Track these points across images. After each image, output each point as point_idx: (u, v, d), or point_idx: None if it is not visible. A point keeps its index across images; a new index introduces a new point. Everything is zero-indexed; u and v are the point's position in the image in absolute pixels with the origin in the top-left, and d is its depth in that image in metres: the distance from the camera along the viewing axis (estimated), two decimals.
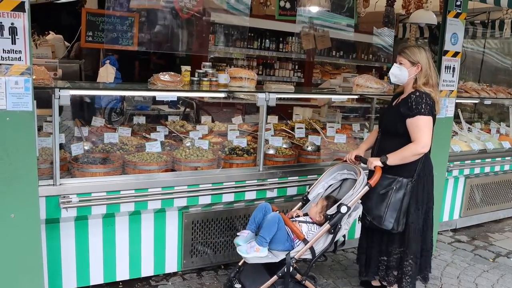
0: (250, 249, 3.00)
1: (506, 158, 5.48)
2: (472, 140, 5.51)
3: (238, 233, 3.16)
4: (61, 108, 6.86)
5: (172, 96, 3.46)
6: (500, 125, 6.45)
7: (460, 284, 4.06)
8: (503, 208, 5.86)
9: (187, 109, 6.20)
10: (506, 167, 5.52)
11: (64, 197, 3.10)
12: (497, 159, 5.41)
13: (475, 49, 8.49)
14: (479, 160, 5.24)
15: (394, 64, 3.40)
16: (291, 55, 8.03)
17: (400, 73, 3.33)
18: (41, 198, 3.02)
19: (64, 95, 3.00)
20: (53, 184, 3.11)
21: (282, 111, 6.08)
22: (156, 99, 3.54)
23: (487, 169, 5.35)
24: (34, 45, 6.49)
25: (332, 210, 3.09)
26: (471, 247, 4.95)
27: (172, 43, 6.48)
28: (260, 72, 7.97)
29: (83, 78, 7.13)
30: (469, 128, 5.92)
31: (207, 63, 4.01)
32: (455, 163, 4.94)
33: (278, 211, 3.23)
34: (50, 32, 7.59)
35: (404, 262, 3.39)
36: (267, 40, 7.77)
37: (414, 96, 3.23)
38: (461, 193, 5.31)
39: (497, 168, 5.45)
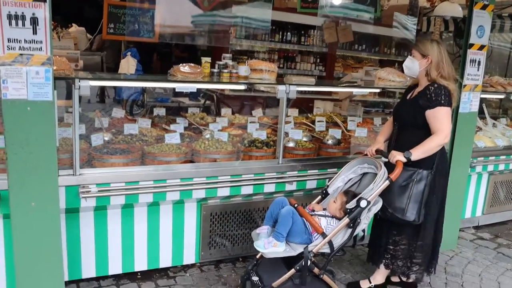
0: (267, 244, 2.98)
1: None
2: (497, 136, 5.37)
3: (257, 230, 3.14)
4: (82, 99, 6.97)
5: (192, 87, 3.44)
6: None
7: (482, 282, 3.97)
8: None
9: (207, 102, 6.20)
10: None
11: (84, 187, 3.13)
12: None
13: (502, 43, 8.28)
14: (504, 157, 5.10)
15: (408, 56, 3.42)
16: (313, 48, 7.95)
17: (411, 65, 3.35)
18: (61, 187, 3.05)
19: (84, 86, 3.01)
20: (73, 174, 3.13)
21: (303, 104, 6.04)
22: (176, 90, 3.50)
23: None
24: (57, 37, 6.58)
25: (351, 204, 3.05)
26: (494, 245, 4.84)
27: (192, 35, 6.49)
28: (281, 65, 7.92)
29: (104, 70, 7.19)
30: (494, 123, 5.77)
31: (227, 55, 3.99)
32: (478, 159, 4.82)
33: (296, 204, 3.20)
34: (73, 24, 7.67)
35: (417, 253, 3.42)
36: (288, 33, 7.70)
37: (432, 88, 3.22)
38: (485, 189, 5.19)
39: None
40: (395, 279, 3.71)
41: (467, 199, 5.01)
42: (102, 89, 9.85)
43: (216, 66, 3.93)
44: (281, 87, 3.65)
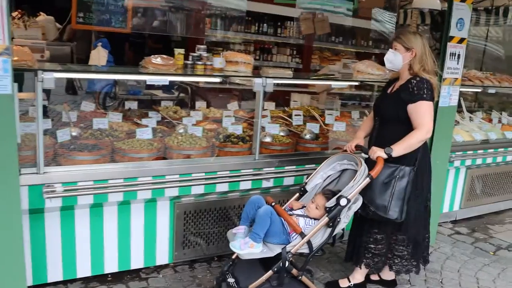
0: (244, 245, 2.84)
1: (509, 148, 5.33)
2: (474, 130, 5.36)
3: (233, 230, 3.01)
4: (52, 91, 6.69)
5: (164, 80, 3.26)
6: (501, 114, 6.31)
7: (460, 278, 3.93)
8: (504, 200, 5.73)
9: (181, 94, 6.02)
10: (509, 158, 5.37)
11: (48, 186, 2.93)
12: (499, 149, 5.26)
13: (477, 37, 8.30)
14: (482, 151, 5.09)
15: (389, 49, 3.31)
16: (289, 40, 7.81)
17: (394, 58, 3.24)
18: (24, 187, 2.86)
19: (48, 78, 2.82)
20: (37, 173, 2.94)
21: (279, 97, 5.91)
22: (147, 83, 3.32)
23: (489, 160, 5.21)
24: (23, 26, 6.26)
25: (331, 203, 2.94)
26: (471, 239, 4.83)
27: (167, 26, 6.28)
28: (257, 57, 7.75)
29: (74, 62, 6.91)
30: (470, 117, 5.76)
31: (202, 46, 3.82)
32: (457, 153, 4.79)
33: (273, 203, 3.08)
34: (41, 13, 7.33)
35: (398, 246, 3.37)
36: (265, 25, 7.54)
37: (415, 82, 3.14)
38: (462, 184, 5.18)
39: (499, 159, 5.31)
40: (374, 277, 3.64)
41: (445, 193, 4.97)
42: (73, 81, 9.52)
43: (190, 58, 3.76)
44: (258, 80, 3.51)
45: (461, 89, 4.60)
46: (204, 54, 3.78)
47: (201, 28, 6.78)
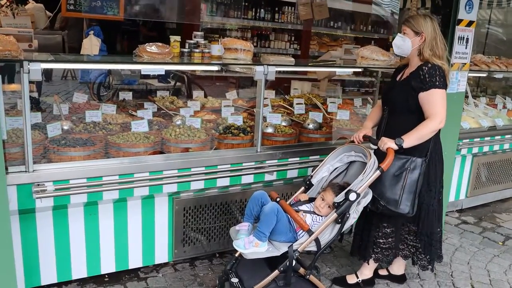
0: (248, 244, 2.68)
1: None
2: (480, 116, 5.20)
3: (237, 227, 2.84)
4: (40, 83, 6.48)
5: (159, 69, 3.07)
6: (505, 99, 6.15)
7: (471, 271, 3.80)
8: (509, 187, 5.59)
9: (178, 84, 5.82)
10: None
11: (38, 185, 2.75)
12: (506, 136, 5.11)
13: (480, 20, 8.09)
14: (488, 138, 4.93)
15: (398, 34, 3.12)
16: (287, 26, 7.60)
17: (403, 43, 3.06)
18: (12, 186, 2.69)
19: (34, 69, 2.61)
20: (25, 171, 2.75)
21: (279, 85, 5.73)
22: (141, 73, 3.13)
23: (496, 147, 5.06)
24: (12, 15, 6.01)
25: (339, 198, 2.77)
26: (479, 229, 4.69)
27: (161, 13, 6.07)
28: (255, 44, 7.54)
29: (66, 51, 6.67)
30: (474, 103, 5.60)
31: (199, 33, 3.62)
32: (464, 141, 4.63)
33: (278, 199, 2.91)
34: (30, 1, 7.07)
35: (410, 236, 3.25)
36: (262, 10, 7.32)
37: (426, 68, 2.94)
38: (468, 172, 5.03)
39: (506, 146, 5.15)
40: (383, 272, 3.50)
41: (451, 182, 4.82)
42: (65, 71, 9.26)
43: (187, 45, 3.56)
44: (259, 68, 3.31)
45: (470, 74, 4.43)
46: (202, 41, 3.58)
47: (197, 14, 6.56)
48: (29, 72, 2.62)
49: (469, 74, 4.60)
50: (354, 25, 8.32)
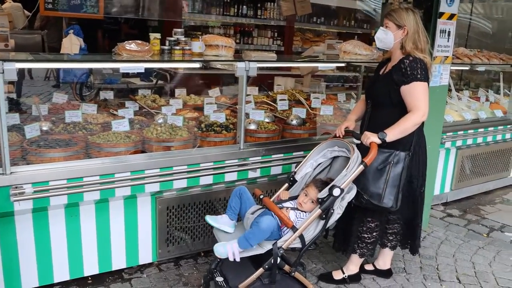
0: (232, 255, 2.64)
1: (499, 127, 5.22)
2: (463, 109, 5.23)
3: (219, 225, 2.83)
4: (20, 84, 6.36)
5: (139, 67, 3.01)
6: (488, 92, 6.20)
7: (456, 264, 3.81)
8: (493, 179, 5.63)
9: (160, 82, 5.76)
10: (499, 137, 5.27)
11: (16, 187, 2.69)
12: (489, 129, 5.14)
13: (461, 14, 8.14)
14: (472, 131, 4.96)
15: (380, 27, 3.12)
16: (270, 22, 7.56)
17: (385, 36, 3.05)
18: None
19: (9, 69, 2.55)
20: (3, 173, 2.68)
21: (262, 81, 5.69)
22: (120, 71, 3.07)
23: (479, 140, 5.09)
24: None
25: (323, 193, 2.75)
26: (464, 221, 4.72)
27: (141, 10, 5.99)
28: (237, 41, 7.50)
29: (46, 50, 6.56)
30: (458, 96, 5.63)
31: (179, 30, 3.56)
32: (448, 134, 4.65)
33: (262, 195, 2.89)
34: (7, 0, 6.94)
35: (390, 225, 3.26)
36: (244, 7, 7.26)
37: (407, 61, 2.94)
38: (453, 165, 5.05)
39: (489, 139, 5.19)
40: (369, 267, 3.49)
41: (435, 175, 4.84)
42: (49, 72, 9.11)
43: (167, 42, 3.51)
44: (240, 64, 3.28)
45: (452, 67, 4.45)
46: (182, 38, 3.53)
47: (178, 12, 6.50)
48: (3, 72, 2.55)
49: (452, 67, 4.63)
50: (337, 21, 8.31)
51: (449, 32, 3.95)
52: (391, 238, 3.29)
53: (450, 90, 5.52)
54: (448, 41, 3.98)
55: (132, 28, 9.09)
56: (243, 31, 7.67)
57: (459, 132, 4.80)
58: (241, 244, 2.65)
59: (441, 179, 4.99)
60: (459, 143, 4.86)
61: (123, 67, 2.96)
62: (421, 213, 3.29)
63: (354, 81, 5.87)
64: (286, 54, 7.53)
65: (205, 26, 7.38)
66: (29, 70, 10.25)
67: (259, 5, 7.39)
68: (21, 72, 6.28)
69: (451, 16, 3.92)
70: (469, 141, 4.97)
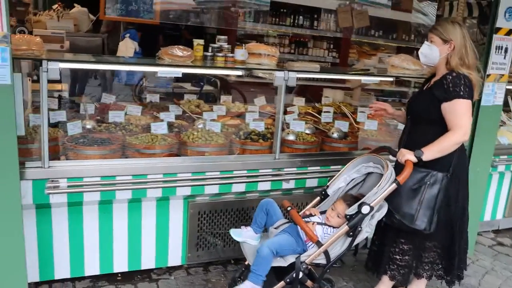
0: None
1: None
2: None
3: (239, 238, 2.83)
4: (83, 83, 6.69)
5: (177, 72, 3.07)
6: None
7: None
8: None
9: (210, 88, 5.84)
10: None
11: (53, 181, 2.80)
12: None
13: None
14: None
15: (425, 42, 2.96)
16: (326, 34, 7.48)
17: (430, 52, 2.90)
18: (27, 181, 2.75)
19: (53, 68, 2.67)
20: (41, 167, 2.81)
21: (312, 92, 5.64)
22: (158, 75, 3.14)
23: None
24: (56, 18, 6.24)
25: (352, 210, 2.66)
26: None
27: (197, 17, 6.12)
28: (292, 51, 7.49)
29: (106, 53, 6.85)
30: None
31: (222, 37, 3.60)
32: (501, 157, 4.37)
33: (289, 208, 2.83)
34: (75, 5, 7.32)
35: (426, 253, 3.04)
36: (300, 17, 7.24)
37: (450, 77, 2.79)
38: (507, 190, 4.73)
39: None
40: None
41: (486, 200, 4.57)
42: (104, 72, 9.50)
43: (210, 49, 3.56)
44: (279, 74, 3.26)
45: (508, 87, 4.19)
46: (225, 45, 3.56)
47: (234, 20, 6.57)
48: (47, 71, 2.68)
49: (510, 87, 4.36)
50: (396, 34, 8.09)
51: (506, 48, 3.73)
52: (426, 268, 3.09)
53: (509, 111, 5.22)
54: (504, 58, 3.76)
55: (192, 35, 9.32)
56: (298, 42, 7.65)
57: None
58: (254, 280, 2.62)
59: (493, 204, 4.69)
60: None
61: (161, 71, 3.03)
62: (461, 241, 3.08)
63: (405, 96, 5.68)
64: (340, 66, 7.43)
65: (260, 35, 7.42)
66: (94, 71, 10.84)
67: (315, 15, 7.34)
68: (81, 72, 6.58)
69: (510, 32, 3.71)
70: None
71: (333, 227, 2.76)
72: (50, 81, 2.81)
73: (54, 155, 2.99)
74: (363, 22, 7.10)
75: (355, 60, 7.70)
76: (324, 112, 4.37)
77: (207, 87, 5.79)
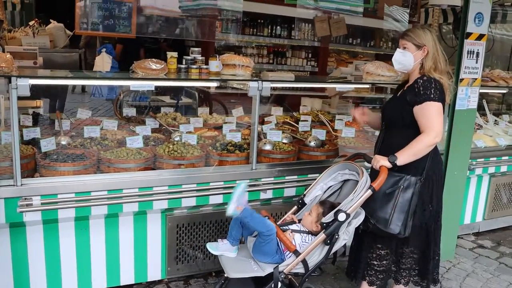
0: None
1: None
2: (499, 134, 4.97)
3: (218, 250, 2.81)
4: (62, 99, 6.61)
5: (149, 85, 3.06)
6: None
7: None
8: None
9: (189, 100, 5.83)
10: None
11: (26, 199, 2.76)
12: None
13: (505, 34, 7.84)
14: (507, 157, 4.70)
15: (397, 49, 2.98)
16: (304, 43, 7.54)
17: (404, 58, 2.93)
18: (0, 200, 2.69)
19: (22, 85, 2.64)
20: (14, 185, 2.76)
21: (290, 102, 5.66)
22: (130, 88, 3.12)
23: None
24: (32, 34, 6.19)
25: (328, 218, 2.66)
26: (496, 254, 4.44)
27: (174, 30, 6.11)
28: (271, 61, 7.53)
29: (83, 68, 6.82)
30: (495, 121, 5.37)
31: (196, 49, 3.60)
32: (478, 160, 4.42)
33: (267, 217, 2.83)
34: (51, 21, 7.28)
35: (404, 259, 3.08)
36: (278, 27, 7.30)
37: (421, 81, 2.83)
38: (485, 193, 4.79)
39: None
40: None
41: (466, 203, 4.61)
42: (94, 89, 9.46)
43: (184, 61, 3.55)
44: (253, 84, 3.26)
45: (483, 91, 4.26)
46: (199, 57, 3.56)
47: (212, 32, 6.59)
48: (17, 88, 2.65)
49: (484, 90, 4.44)
50: (374, 42, 8.20)
51: (477, 53, 3.79)
52: (404, 274, 3.11)
53: (485, 114, 5.29)
54: (476, 62, 3.82)
55: (171, 47, 9.32)
56: (277, 52, 7.70)
57: (491, 158, 4.56)
58: (246, 214, 2.68)
59: (472, 207, 4.73)
60: (491, 169, 4.61)
61: (133, 84, 3.01)
62: (435, 246, 3.10)
63: (381, 103, 5.72)
64: (319, 75, 7.49)
65: (238, 46, 7.46)
66: (75, 86, 10.77)
67: (293, 25, 7.40)
68: (60, 88, 6.51)
69: (480, 37, 3.77)
70: (503, 168, 4.71)
71: (312, 235, 2.75)
72: (24, 98, 2.79)
73: (28, 173, 2.95)
74: (340, 30, 7.15)
75: (334, 68, 7.76)
76: (302, 121, 4.39)
77: (186, 100, 5.77)
